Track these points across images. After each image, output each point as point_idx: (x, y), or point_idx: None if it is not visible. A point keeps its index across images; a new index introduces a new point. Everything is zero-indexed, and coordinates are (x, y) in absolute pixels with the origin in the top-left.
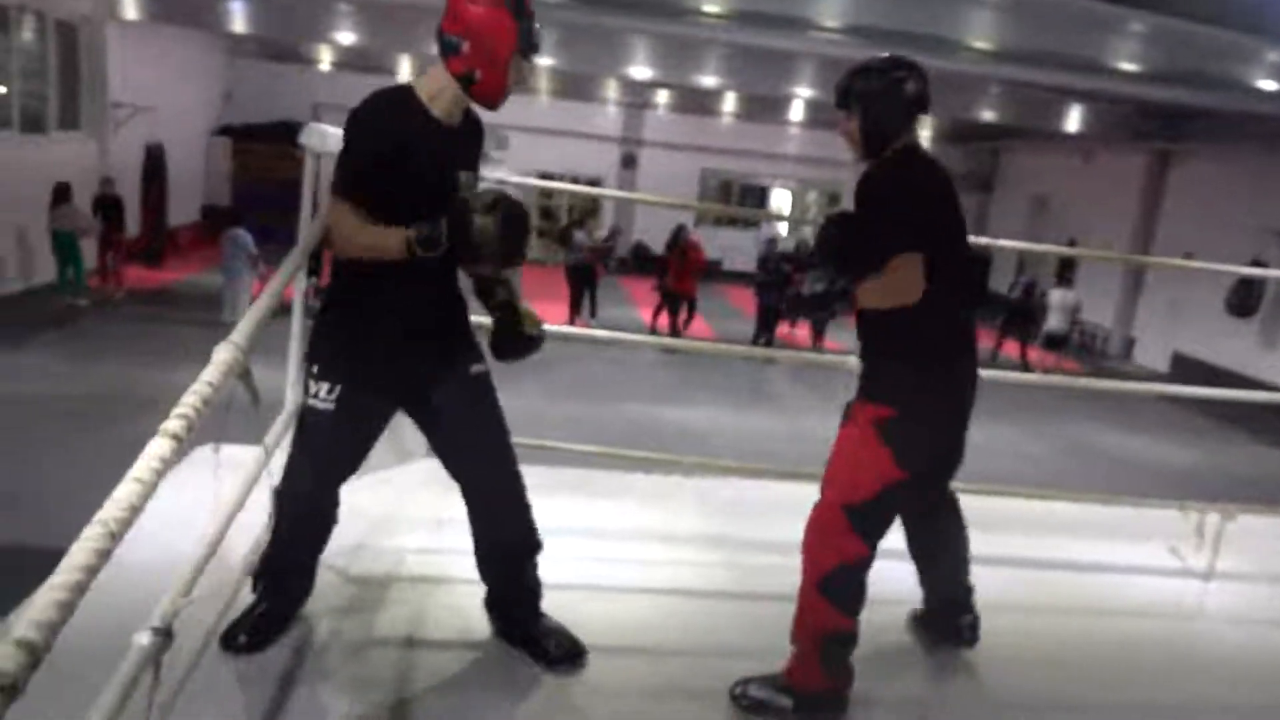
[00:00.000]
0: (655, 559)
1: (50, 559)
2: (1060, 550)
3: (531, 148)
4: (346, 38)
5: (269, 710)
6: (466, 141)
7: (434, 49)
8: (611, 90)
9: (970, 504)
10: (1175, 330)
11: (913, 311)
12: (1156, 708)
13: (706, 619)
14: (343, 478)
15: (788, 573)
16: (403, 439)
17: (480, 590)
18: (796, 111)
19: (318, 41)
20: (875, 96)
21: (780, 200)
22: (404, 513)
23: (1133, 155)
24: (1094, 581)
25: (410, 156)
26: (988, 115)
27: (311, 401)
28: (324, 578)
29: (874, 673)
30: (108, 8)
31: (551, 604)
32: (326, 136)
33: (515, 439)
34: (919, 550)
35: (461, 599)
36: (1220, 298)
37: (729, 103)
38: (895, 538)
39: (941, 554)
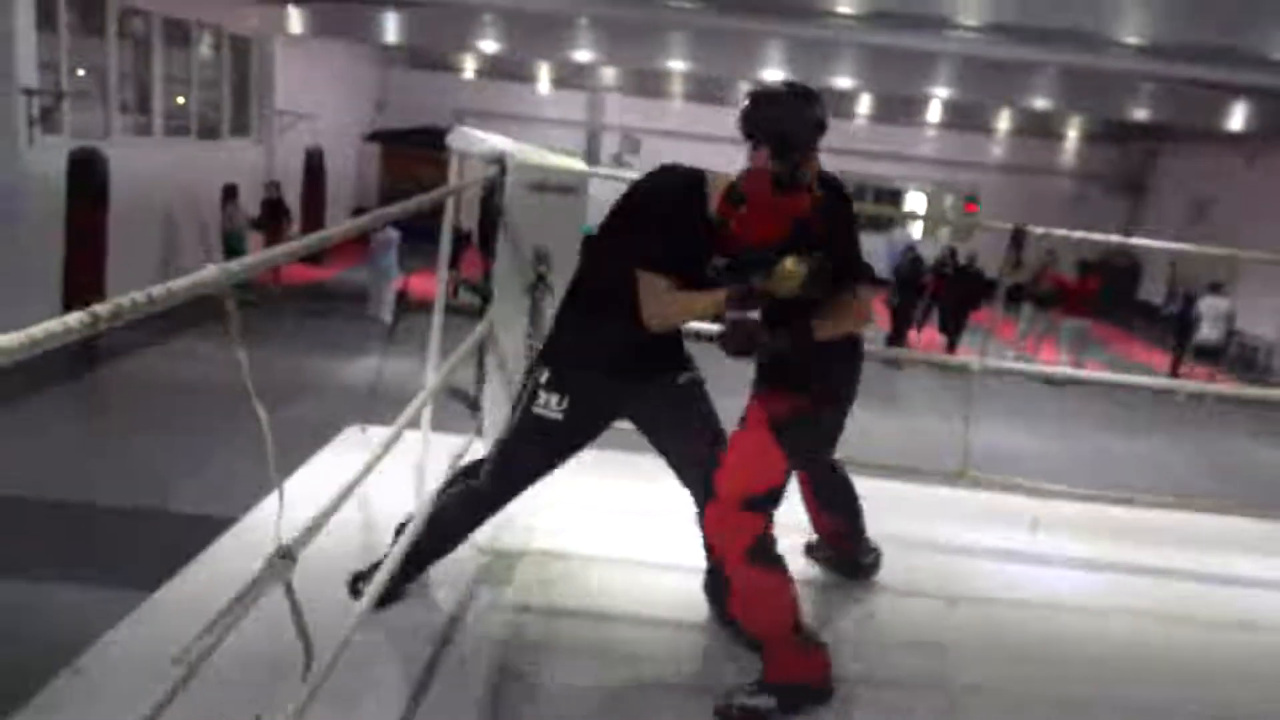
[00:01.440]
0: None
1: (207, 526)
2: (1206, 563)
3: (663, 151)
4: (489, 46)
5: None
6: (726, 244)
7: (570, 52)
8: (743, 94)
9: (1109, 514)
10: None
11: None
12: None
13: None
14: (528, 486)
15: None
16: None
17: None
18: (933, 112)
19: (462, 50)
20: (777, 123)
21: (915, 203)
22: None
23: None
24: (1224, 594)
25: (686, 222)
26: (1140, 114)
27: (541, 411)
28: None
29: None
30: (276, 23)
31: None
32: (470, 139)
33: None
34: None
35: (578, 575)
36: None
37: (863, 104)
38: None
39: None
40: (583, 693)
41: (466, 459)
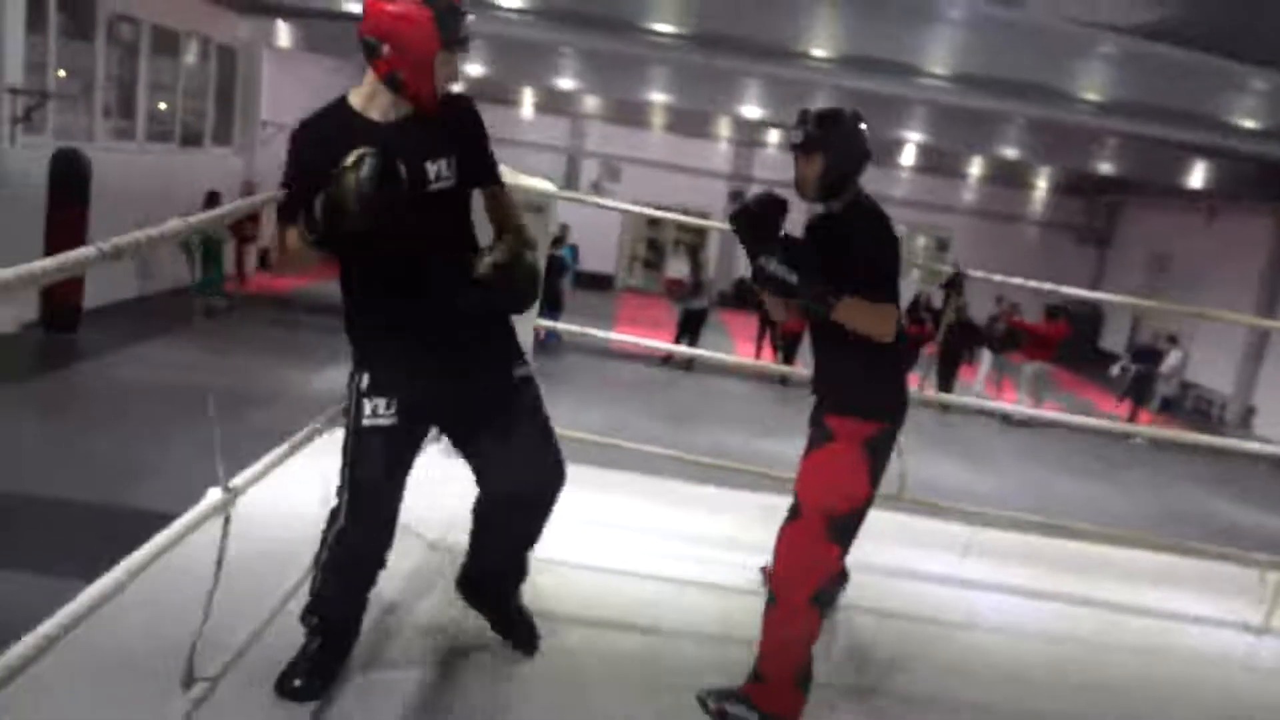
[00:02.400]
0: (705, 558)
1: (161, 522)
2: (1134, 595)
3: (644, 180)
4: (474, 69)
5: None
6: (429, 131)
7: (553, 80)
8: (723, 128)
9: (1041, 544)
10: None
11: (894, 340)
12: None
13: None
14: (398, 502)
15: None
16: None
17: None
18: (906, 156)
19: None
20: (841, 143)
21: None
22: None
23: (1258, 216)
24: (1158, 626)
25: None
26: (1105, 168)
27: (371, 421)
28: (414, 544)
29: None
30: (264, 35)
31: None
32: None
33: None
34: None
35: (566, 581)
36: None
37: None
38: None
39: None
40: (558, 696)
41: (428, 455)
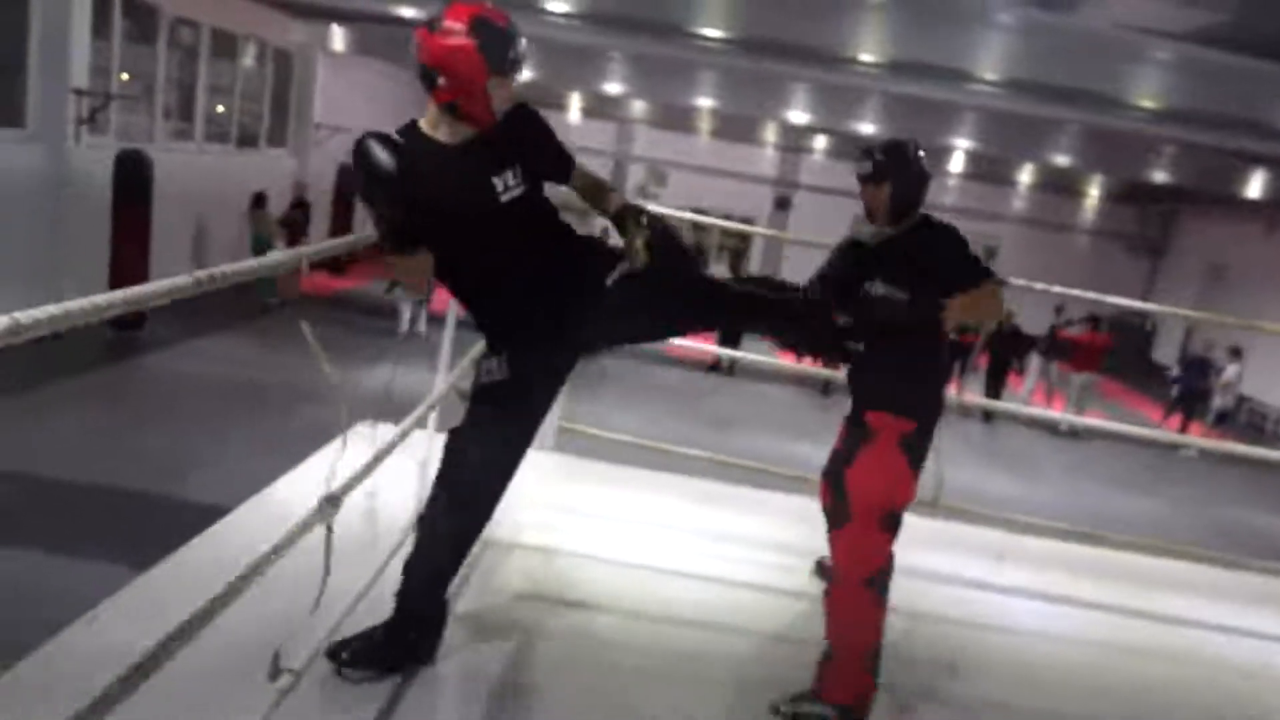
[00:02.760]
0: (733, 557)
1: (213, 516)
2: (1177, 606)
3: (690, 185)
4: (524, 74)
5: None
6: (493, 148)
7: (601, 84)
8: (770, 133)
9: (1084, 553)
10: None
11: (934, 340)
12: None
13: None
14: (519, 456)
15: None
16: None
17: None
18: (955, 162)
19: None
20: (906, 170)
21: None
22: (531, 494)
23: None
24: (1201, 637)
25: (421, 186)
26: (1160, 177)
27: (485, 380)
28: None
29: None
30: (319, 39)
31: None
32: None
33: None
34: None
35: (567, 570)
36: None
37: None
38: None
39: None
40: (564, 681)
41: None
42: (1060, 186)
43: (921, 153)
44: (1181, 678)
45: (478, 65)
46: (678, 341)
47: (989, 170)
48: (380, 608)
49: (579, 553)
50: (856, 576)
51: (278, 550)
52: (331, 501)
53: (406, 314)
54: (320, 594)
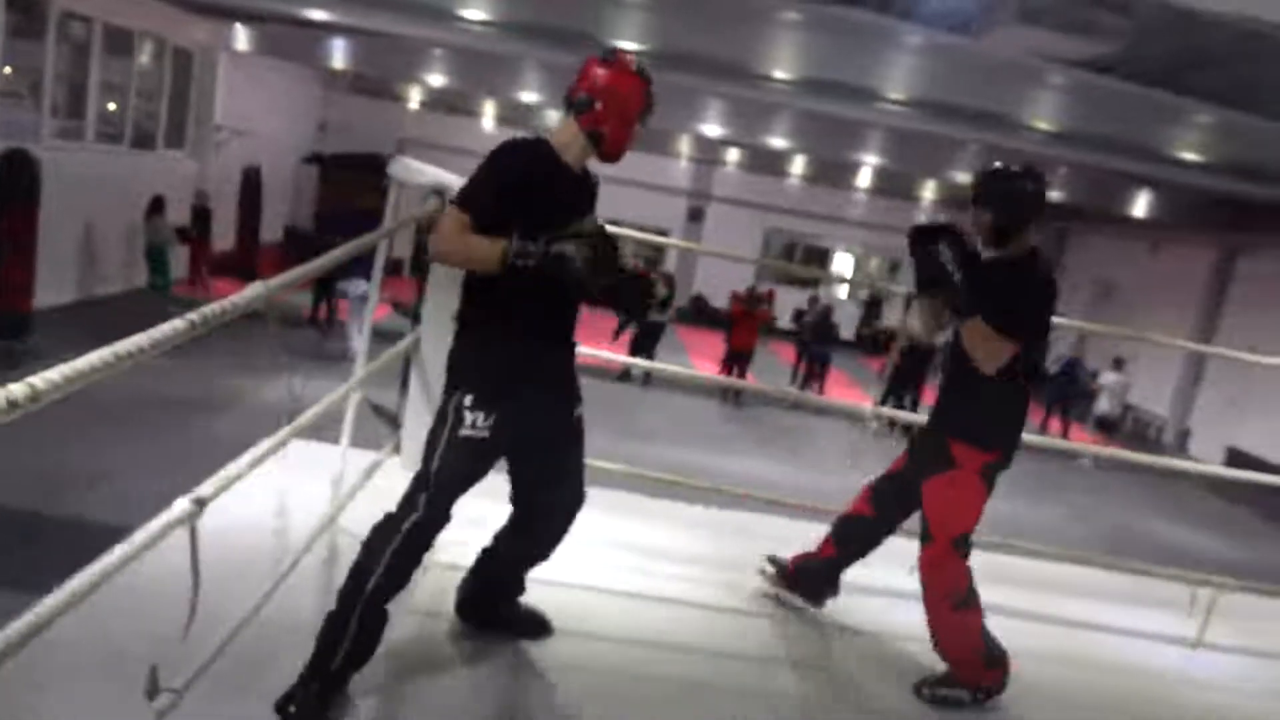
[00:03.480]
0: (660, 571)
1: (110, 535)
2: (1072, 610)
3: (604, 196)
4: (436, 79)
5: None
6: (586, 190)
7: (516, 92)
8: (684, 145)
9: (995, 562)
10: (1233, 425)
11: (1014, 376)
12: None
13: (703, 625)
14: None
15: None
16: None
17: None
18: (864, 178)
19: (408, 81)
20: (1005, 196)
21: (843, 263)
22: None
23: (1200, 246)
24: (1102, 640)
25: (540, 196)
26: (1053, 195)
27: (467, 432)
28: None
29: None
30: (222, 38)
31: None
32: (411, 170)
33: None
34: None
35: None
36: None
37: (797, 165)
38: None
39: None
40: (511, 698)
41: (382, 473)
42: (963, 203)
43: (1031, 183)
44: (1076, 679)
45: (640, 100)
46: (587, 350)
47: (897, 186)
48: (278, 622)
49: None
50: (947, 604)
51: (132, 554)
52: (198, 503)
53: (355, 336)
54: (193, 606)
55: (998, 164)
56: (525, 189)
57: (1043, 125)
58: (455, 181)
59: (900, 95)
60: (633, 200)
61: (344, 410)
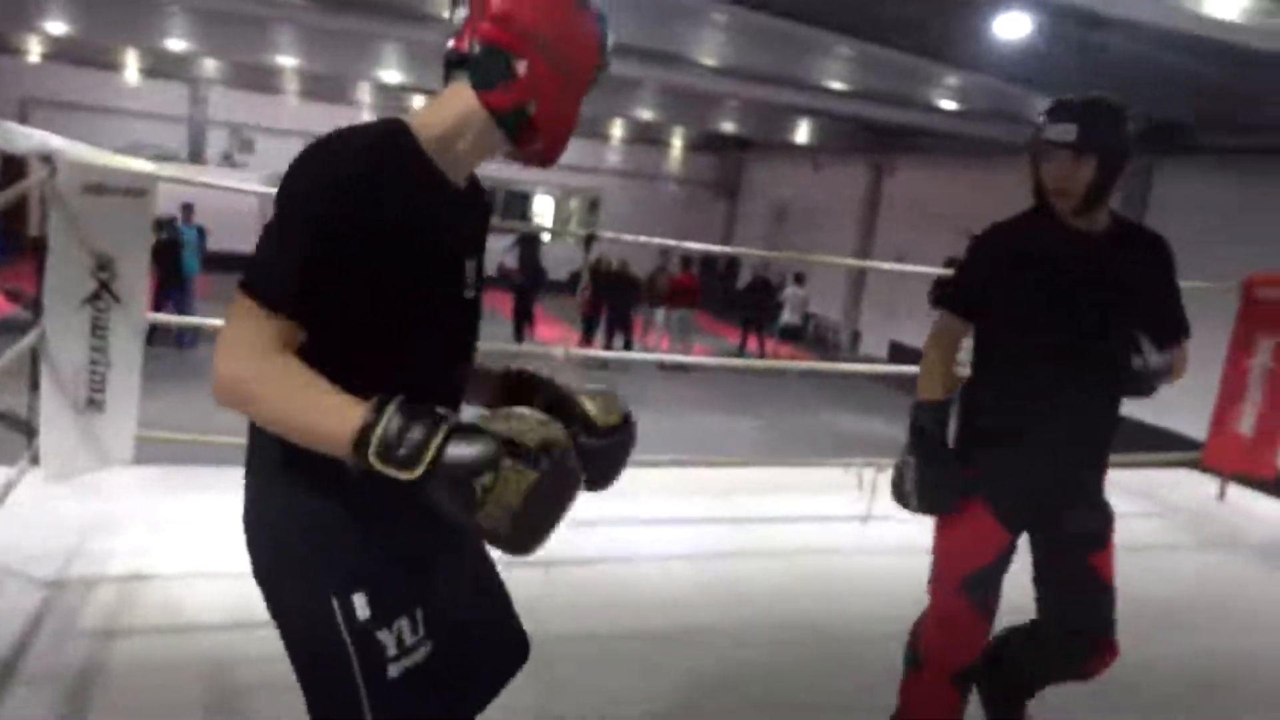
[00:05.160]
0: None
1: None
2: (759, 508)
3: (281, 150)
4: (57, 28)
5: None
6: (475, 215)
7: (164, 40)
8: (364, 93)
9: (691, 474)
10: (892, 323)
11: None
12: (832, 618)
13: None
14: None
15: None
16: (102, 441)
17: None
18: None
19: (25, 30)
20: (1122, 148)
21: (543, 206)
22: (114, 517)
23: (854, 167)
24: (789, 530)
25: (409, 239)
26: (728, 127)
27: (401, 663)
28: (29, 584)
29: None
30: None
31: None
32: (13, 135)
33: None
34: None
35: (172, 594)
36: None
37: None
38: None
39: None
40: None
41: (23, 488)
42: (650, 139)
43: (1131, 120)
44: (785, 566)
45: (591, 53)
46: None
47: (585, 127)
48: None
49: (179, 573)
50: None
51: None
52: None
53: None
54: None
55: (1113, 101)
56: (365, 237)
57: (709, 61)
58: (61, 144)
59: None
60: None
61: None
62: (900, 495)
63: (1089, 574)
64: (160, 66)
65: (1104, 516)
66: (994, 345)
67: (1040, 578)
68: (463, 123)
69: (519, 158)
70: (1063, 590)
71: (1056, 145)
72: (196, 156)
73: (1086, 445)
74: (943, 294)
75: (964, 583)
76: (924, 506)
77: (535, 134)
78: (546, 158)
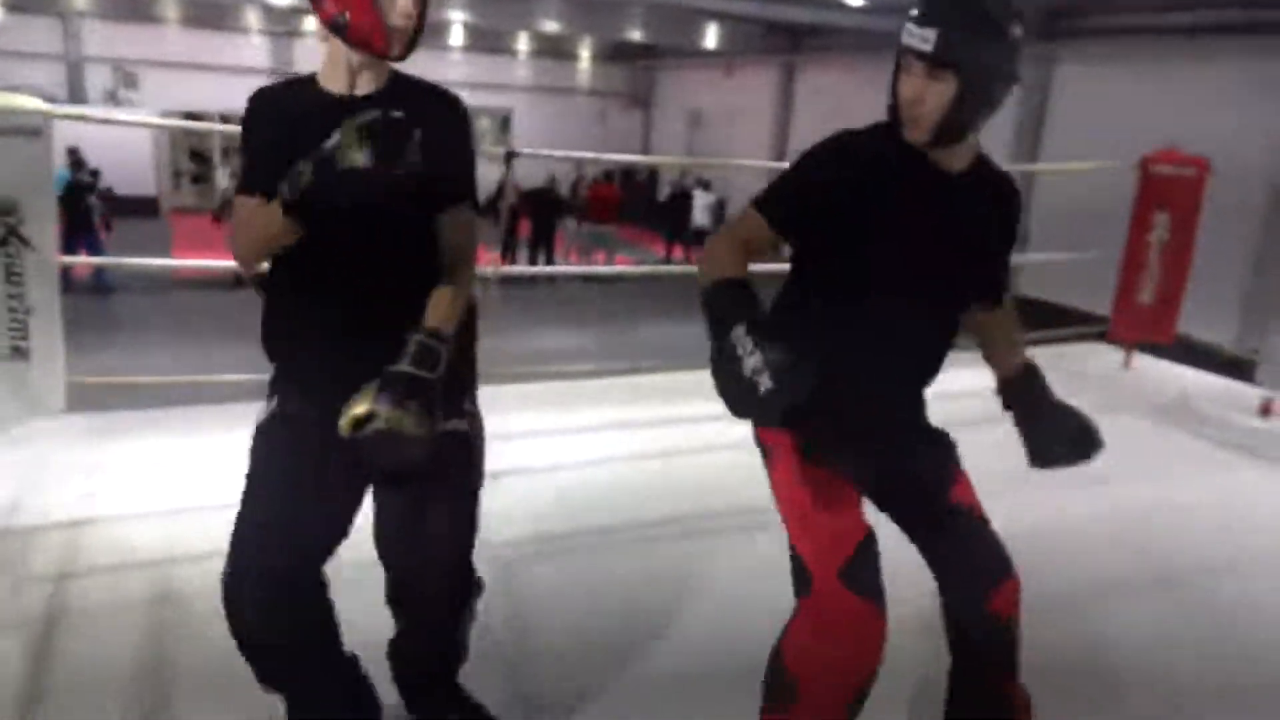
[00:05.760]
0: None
1: None
2: (694, 409)
3: (170, 85)
4: None
5: None
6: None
7: None
8: (253, 19)
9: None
10: None
11: None
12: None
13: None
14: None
15: None
16: (31, 389)
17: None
18: (455, 37)
19: None
20: (993, 68)
21: None
22: (51, 465)
23: (766, 69)
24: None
25: (296, 144)
26: (636, 35)
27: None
28: None
29: None
30: None
31: None
32: None
33: None
34: None
35: (118, 535)
36: None
37: None
38: None
39: None
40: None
41: None
42: (559, 52)
43: (1019, 29)
44: (708, 462)
45: None
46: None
47: (492, 43)
48: None
49: (121, 514)
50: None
51: None
52: None
53: None
54: None
55: (982, 4)
56: (279, 145)
57: None
58: None
59: None
60: (205, 86)
61: None
62: (738, 395)
63: (959, 516)
64: (23, 2)
65: (944, 447)
66: (813, 275)
67: (917, 544)
68: (326, 51)
69: (366, 54)
70: (945, 549)
71: (914, 55)
72: (77, 96)
73: (905, 388)
74: (763, 198)
75: (841, 573)
76: (779, 396)
77: (355, 36)
78: (377, 53)
